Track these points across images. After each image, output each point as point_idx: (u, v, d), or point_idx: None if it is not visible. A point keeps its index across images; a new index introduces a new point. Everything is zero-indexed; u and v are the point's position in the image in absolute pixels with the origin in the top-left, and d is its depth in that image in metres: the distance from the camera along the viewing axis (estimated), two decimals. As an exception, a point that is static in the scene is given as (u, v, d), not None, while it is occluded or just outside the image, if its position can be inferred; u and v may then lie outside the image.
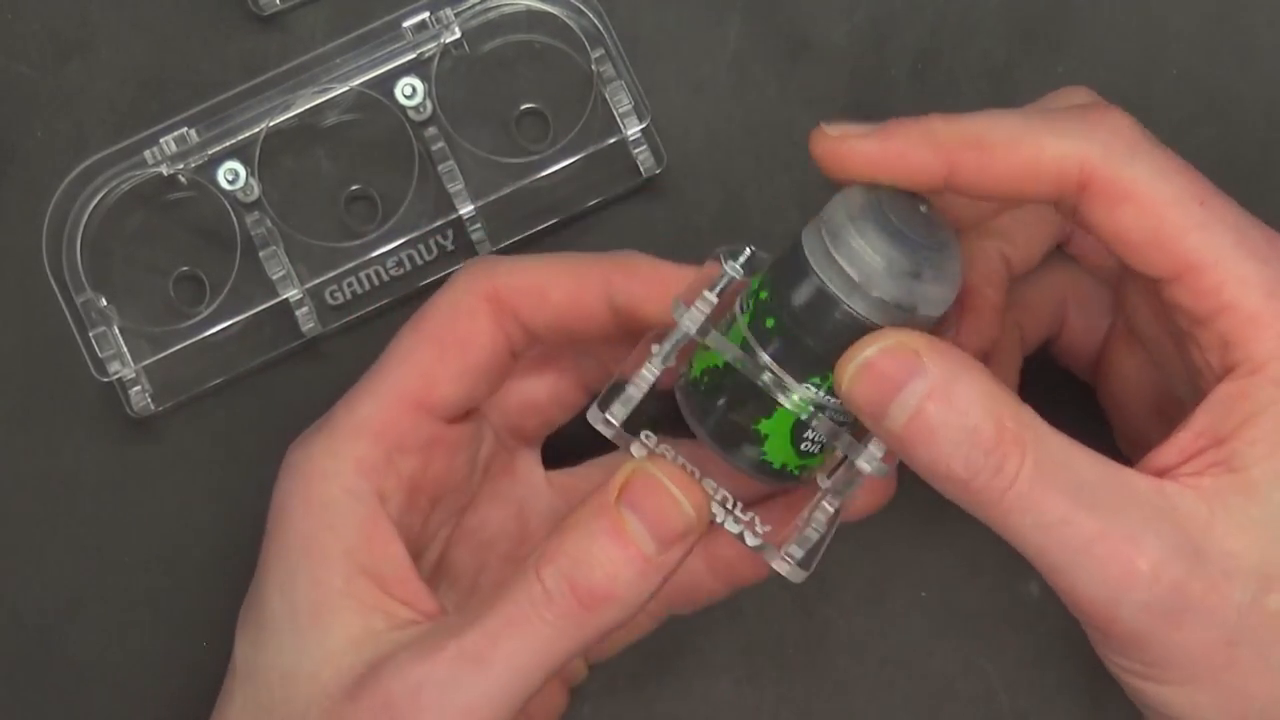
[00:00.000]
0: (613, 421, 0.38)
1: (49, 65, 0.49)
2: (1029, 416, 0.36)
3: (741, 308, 0.38)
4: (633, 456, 0.39)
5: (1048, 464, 0.35)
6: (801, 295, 0.37)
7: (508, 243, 0.47)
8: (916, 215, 0.37)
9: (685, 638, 0.47)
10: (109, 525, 0.47)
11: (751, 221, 0.48)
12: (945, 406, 0.36)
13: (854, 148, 0.38)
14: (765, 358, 0.37)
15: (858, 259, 0.36)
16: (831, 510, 0.38)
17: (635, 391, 0.38)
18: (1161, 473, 0.36)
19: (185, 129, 0.46)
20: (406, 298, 0.47)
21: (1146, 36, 0.48)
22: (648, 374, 0.38)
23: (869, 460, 0.38)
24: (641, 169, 0.47)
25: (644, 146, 0.47)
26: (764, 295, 0.37)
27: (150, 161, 0.46)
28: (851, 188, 0.37)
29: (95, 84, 0.49)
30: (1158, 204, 0.37)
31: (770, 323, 0.37)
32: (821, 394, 0.37)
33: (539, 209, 0.47)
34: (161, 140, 0.46)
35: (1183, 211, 0.36)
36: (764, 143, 0.48)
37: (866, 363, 0.36)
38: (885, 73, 0.48)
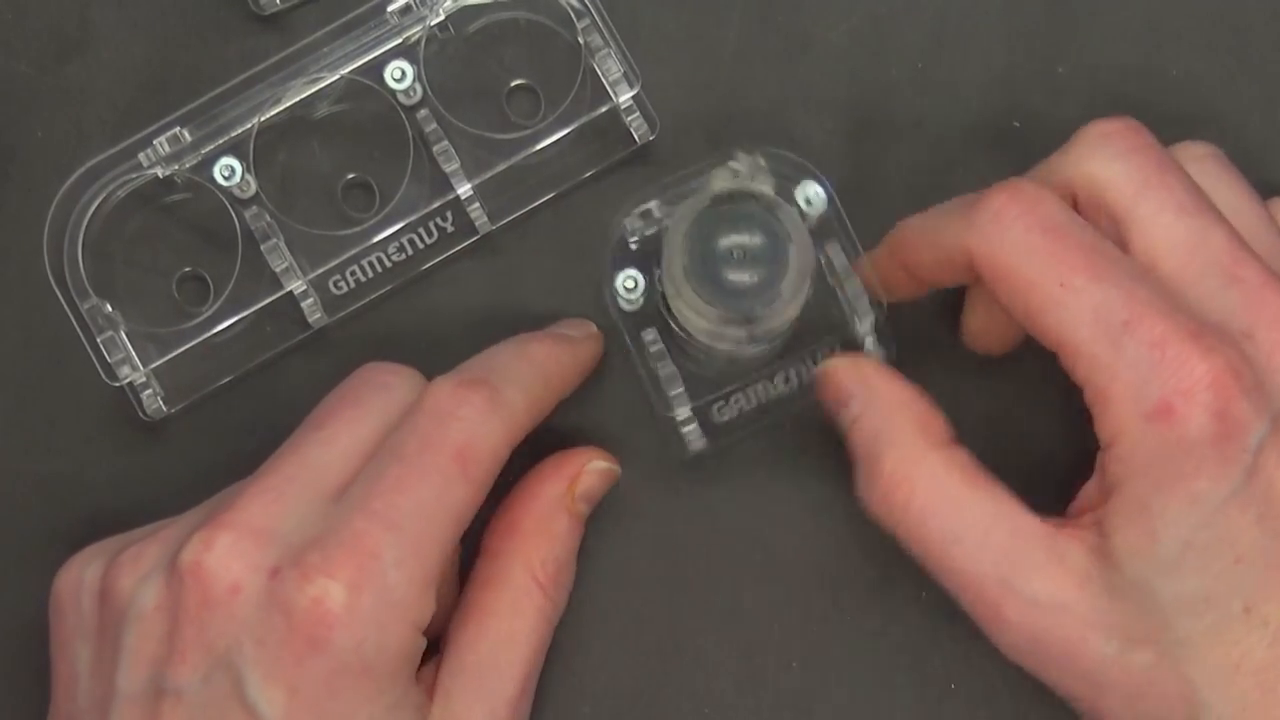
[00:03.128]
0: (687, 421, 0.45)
1: (49, 65, 0.49)
2: (938, 458, 0.40)
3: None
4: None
5: (937, 503, 0.39)
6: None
7: (507, 219, 0.47)
8: (742, 242, 0.40)
9: (685, 638, 0.46)
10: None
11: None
12: (858, 435, 0.41)
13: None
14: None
15: (692, 322, 0.41)
16: None
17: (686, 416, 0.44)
18: (1079, 511, 0.39)
19: (177, 129, 0.46)
20: (410, 282, 0.47)
21: (1146, 36, 0.48)
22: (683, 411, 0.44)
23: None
24: (635, 135, 0.47)
25: (636, 114, 0.47)
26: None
27: (145, 164, 0.46)
28: (671, 226, 0.41)
29: (95, 84, 0.49)
30: (1021, 285, 0.39)
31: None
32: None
33: (536, 183, 0.47)
34: (155, 142, 0.46)
35: (1042, 294, 0.38)
36: (764, 143, 0.48)
37: (832, 369, 0.42)
38: (885, 73, 0.48)
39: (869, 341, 0.44)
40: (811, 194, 0.43)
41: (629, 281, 0.44)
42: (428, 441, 0.41)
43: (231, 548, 0.39)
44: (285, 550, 0.39)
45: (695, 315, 0.40)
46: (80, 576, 0.42)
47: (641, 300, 0.44)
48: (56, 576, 0.43)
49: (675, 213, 0.41)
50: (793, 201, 0.43)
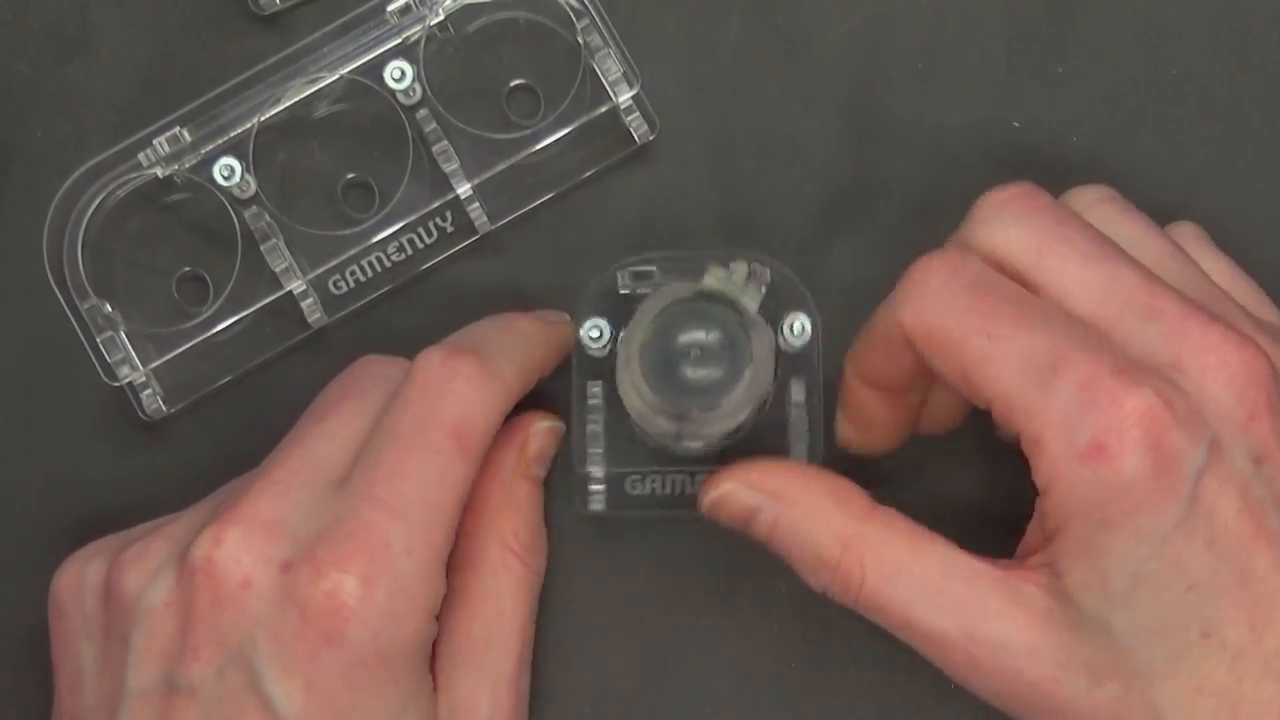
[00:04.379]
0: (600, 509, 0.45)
1: (49, 65, 0.49)
2: (873, 529, 0.39)
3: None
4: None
5: (887, 572, 0.39)
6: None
7: (507, 219, 0.47)
8: (705, 344, 0.39)
9: (685, 638, 0.46)
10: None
11: (750, 217, 0.48)
12: (788, 532, 0.40)
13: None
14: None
15: (629, 397, 0.40)
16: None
17: (596, 477, 0.44)
18: (1027, 553, 0.39)
19: (177, 129, 0.46)
20: (410, 282, 0.47)
21: (1146, 36, 0.48)
22: (595, 471, 0.44)
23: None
24: (635, 135, 0.47)
25: (636, 113, 0.47)
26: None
27: (145, 164, 0.46)
28: (648, 300, 0.40)
29: (95, 84, 0.49)
30: (952, 345, 0.38)
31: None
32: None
33: (536, 183, 0.47)
34: (155, 142, 0.46)
35: (972, 349, 0.38)
36: (764, 144, 0.48)
37: (720, 497, 0.41)
38: (885, 73, 0.48)
39: None
40: (799, 325, 0.43)
41: (594, 330, 0.43)
42: (423, 419, 0.41)
43: (241, 542, 0.39)
44: (295, 543, 0.39)
45: (634, 393, 0.40)
46: (81, 575, 0.42)
47: (604, 352, 0.44)
48: (55, 576, 0.43)
49: (658, 289, 0.40)
50: (779, 324, 0.43)
